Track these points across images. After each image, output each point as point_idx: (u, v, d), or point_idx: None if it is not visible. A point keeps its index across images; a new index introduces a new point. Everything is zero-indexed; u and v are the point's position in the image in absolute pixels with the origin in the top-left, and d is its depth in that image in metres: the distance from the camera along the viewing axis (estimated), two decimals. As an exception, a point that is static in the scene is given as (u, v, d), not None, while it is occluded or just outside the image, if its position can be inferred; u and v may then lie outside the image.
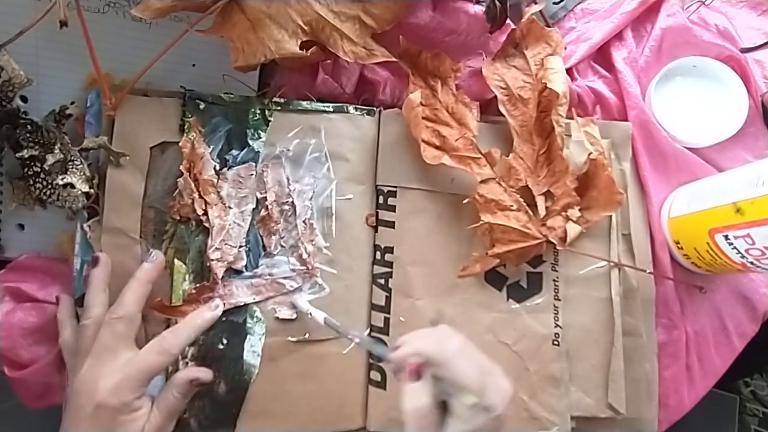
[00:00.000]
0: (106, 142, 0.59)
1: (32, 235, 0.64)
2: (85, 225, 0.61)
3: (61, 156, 0.58)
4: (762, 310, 0.74)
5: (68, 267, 0.62)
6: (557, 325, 0.67)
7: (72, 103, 0.60)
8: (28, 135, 0.58)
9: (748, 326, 0.74)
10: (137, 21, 0.62)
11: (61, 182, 0.58)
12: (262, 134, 0.65)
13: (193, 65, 0.66)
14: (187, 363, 0.61)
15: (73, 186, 0.58)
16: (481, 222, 0.64)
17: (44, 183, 0.59)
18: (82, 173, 0.59)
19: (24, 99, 0.61)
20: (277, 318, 0.63)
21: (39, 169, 0.59)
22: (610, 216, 0.69)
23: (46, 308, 0.63)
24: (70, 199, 0.59)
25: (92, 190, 0.59)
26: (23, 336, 0.61)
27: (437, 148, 0.66)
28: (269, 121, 0.65)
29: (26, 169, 0.59)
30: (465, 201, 0.65)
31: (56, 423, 0.60)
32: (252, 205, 0.64)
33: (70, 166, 0.59)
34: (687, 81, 0.76)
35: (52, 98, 0.60)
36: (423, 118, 0.65)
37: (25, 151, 0.58)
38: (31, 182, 0.59)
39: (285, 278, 0.64)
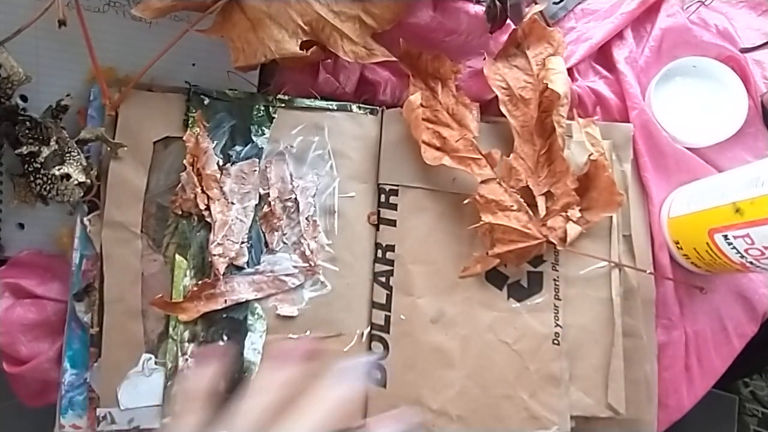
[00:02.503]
0: (104, 133, 0.59)
1: (32, 234, 0.64)
2: (85, 219, 0.61)
3: (56, 147, 0.58)
4: (761, 311, 0.74)
5: (67, 263, 0.62)
6: (557, 325, 0.67)
7: (68, 95, 0.60)
8: (27, 131, 0.58)
9: (748, 326, 0.74)
10: (137, 20, 0.62)
11: (57, 173, 0.57)
12: (266, 131, 0.65)
13: (193, 65, 0.66)
14: (186, 360, 0.61)
15: (69, 177, 0.58)
16: (481, 222, 0.64)
17: (44, 179, 0.59)
18: (78, 163, 0.59)
19: (24, 98, 0.61)
20: (278, 315, 0.63)
21: (39, 165, 0.59)
22: (611, 216, 0.69)
23: (45, 304, 0.63)
24: (67, 192, 0.58)
25: (89, 181, 0.59)
26: (23, 332, 0.61)
27: (438, 149, 0.66)
28: (273, 117, 0.66)
29: (26, 166, 0.59)
30: (465, 201, 0.65)
31: (53, 422, 0.60)
32: (255, 201, 0.64)
33: (67, 158, 0.59)
34: (687, 81, 0.76)
35: (52, 97, 0.59)
36: (423, 119, 0.66)
37: (25, 147, 0.58)
38: (32, 178, 0.59)
39: (287, 275, 0.64)
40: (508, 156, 0.67)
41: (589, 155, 0.66)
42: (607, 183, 0.65)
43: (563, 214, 0.66)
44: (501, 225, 0.65)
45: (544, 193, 0.67)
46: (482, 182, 0.65)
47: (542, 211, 0.66)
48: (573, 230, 0.65)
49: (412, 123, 0.65)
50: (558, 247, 0.66)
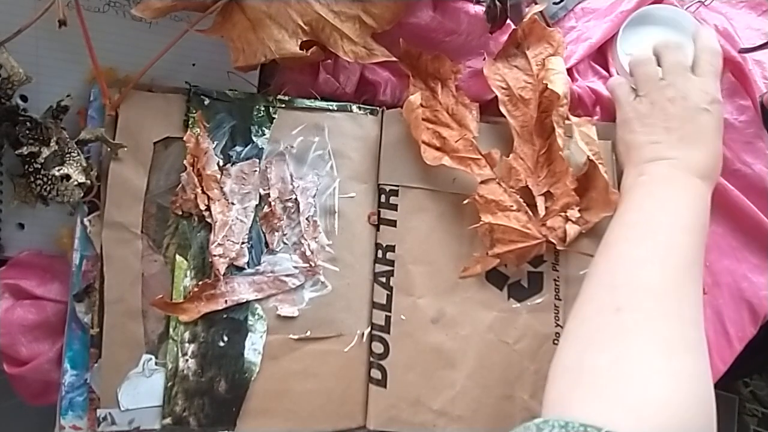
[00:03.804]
0: (104, 134, 0.59)
1: (32, 235, 0.64)
2: (85, 219, 0.61)
3: (56, 148, 0.58)
4: (762, 313, 0.74)
5: (67, 263, 0.62)
6: (558, 325, 0.67)
7: (68, 95, 0.59)
8: (27, 132, 0.58)
9: (748, 329, 0.74)
10: (137, 20, 0.62)
11: (57, 173, 0.57)
12: (266, 131, 0.65)
13: (193, 64, 0.66)
14: (187, 360, 0.61)
15: (69, 177, 0.57)
16: (481, 222, 0.64)
17: (44, 179, 0.59)
18: (78, 164, 0.59)
19: (24, 98, 0.61)
20: (279, 315, 0.63)
21: (39, 166, 0.59)
22: (612, 216, 0.69)
23: (45, 305, 0.63)
24: (67, 193, 0.58)
25: (89, 182, 0.59)
26: (23, 333, 0.61)
27: (437, 149, 0.66)
28: (273, 118, 0.65)
29: (27, 166, 0.59)
30: (465, 201, 0.65)
31: (53, 423, 0.60)
32: (255, 202, 0.64)
33: (67, 158, 0.59)
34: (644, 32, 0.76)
35: (52, 97, 0.59)
36: (423, 119, 0.66)
37: (25, 148, 0.58)
38: (32, 179, 0.59)
39: (287, 275, 0.64)
40: (508, 156, 0.67)
41: (588, 156, 0.66)
42: (604, 183, 0.65)
43: (562, 214, 0.66)
44: (501, 225, 0.65)
45: (543, 193, 0.67)
46: (482, 182, 0.65)
47: (542, 211, 0.66)
48: (572, 230, 0.65)
49: (412, 123, 0.65)
50: (558, 247, 0.66)
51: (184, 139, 0.62)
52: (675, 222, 0.56)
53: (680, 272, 0.53)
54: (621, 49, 0.74)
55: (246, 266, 0.63)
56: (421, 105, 0.65)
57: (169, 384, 0.60)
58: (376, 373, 0.65)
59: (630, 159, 0.66)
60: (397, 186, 0.67)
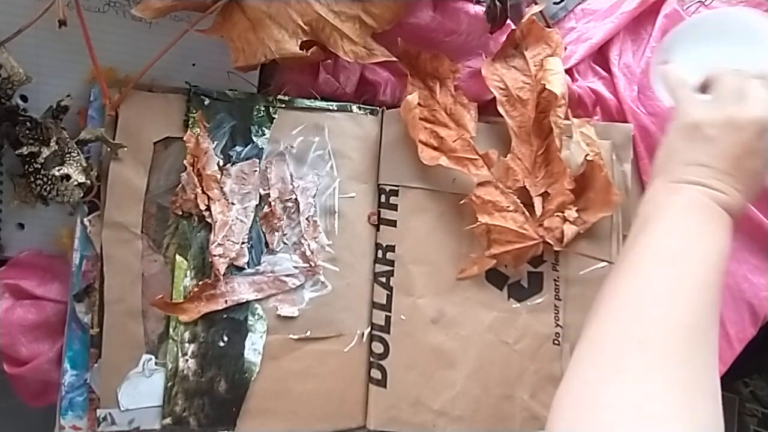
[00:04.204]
0: (104, 134, 0.59)
1: (32, 234, 0.64)
2: (85, 219, 0.61)
3: (56, 148, 0.58)
4: (762, 314, 0.74)
5: (67, 263, 0.62)
6: (558, 325, 0.67)
7: (68, 95, 0.59)
8: (27, 132, 0.58)
9: (748, 329, 0.74)
10: (137, 20, 0.62)
11: (57, 173, 0.57)
12: (266, 131, 0.65)
13: (193, 65, 0.66)
14: (187, 360, 0.61)
15: (69, 177, 0.57)
16: (478, 223, 0.64)
17: (44, 179, 0.59)
18: (78, 164, 0.59)
19: (24, 98, 0.61)
20: (279, 315, 0.63)
21: (39, 166, 0.59)
22: (611, 217, 0.69)
23: (45, 305, 0.62)
24: (67, 193, 0.58)
25: (89, 181, 0.59)
26: (23, 333, 0.61)
27: (435, 149, 0.66)
28: (273, 118, 0.66)
29: (27, 166, 0.59)
30: (461, 202, 0.65)
31: (53, 423, 0.60)
32: (255, 202, 0.64)
33: (67, 158, 0.59)
34: (698, 51, 0.70)
35: (52, 97, 0.59)
36: (421, 118, 0.66)
37: (25, 148, 0.58)
38: (32, 179, 0.59)
39: (287, 275, 0.64)
40: (506, 156, 0.67)
41: (585, 155, 0.66)
42: (603, 183, 0.65)
43: (560, 214, 0.66)
44: (497, 226, 0.65)
45: (541, 193, 0.67)
46: (479, 183, 0.65)
47: (539, 212, 0.66)
48: (570, 231, 0.65)
49: (410, 123, 0.65)
50: (555, 248, 0.66)
51: (184, 139, 0.62)
52: (710, 260, 0.53)
53: (708, 313, 0.50)
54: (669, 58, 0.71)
55: (246, 266, 0.63)
56: (419, 104, 0.65)
57: (169, 384, 0.60)
58: (376, 373, 0.65)
59: (667, 169, 0.59)
60: (397, 186, 0.67)
